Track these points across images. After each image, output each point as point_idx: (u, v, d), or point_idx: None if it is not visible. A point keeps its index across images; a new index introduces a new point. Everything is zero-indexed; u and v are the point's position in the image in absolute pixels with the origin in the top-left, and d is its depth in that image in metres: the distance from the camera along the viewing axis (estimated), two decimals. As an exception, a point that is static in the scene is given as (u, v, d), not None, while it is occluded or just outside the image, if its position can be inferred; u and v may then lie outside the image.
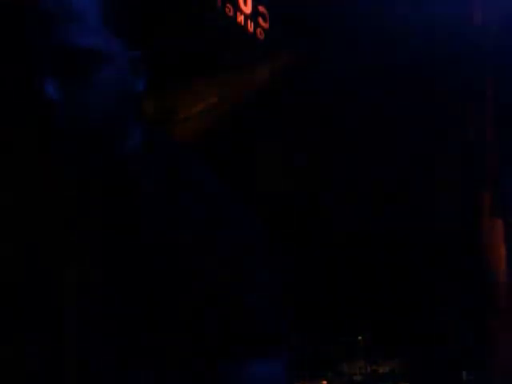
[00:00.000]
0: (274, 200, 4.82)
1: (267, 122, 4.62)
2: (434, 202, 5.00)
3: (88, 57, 0.96)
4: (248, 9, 4.09)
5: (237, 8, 3.99)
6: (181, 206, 1.05)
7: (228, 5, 3.92)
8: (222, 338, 1.01)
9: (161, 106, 3.63)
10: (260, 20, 4.20)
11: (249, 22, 4.10)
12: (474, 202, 4.40)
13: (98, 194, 1.07)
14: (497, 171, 4.34)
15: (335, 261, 5.75)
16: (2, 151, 1.10)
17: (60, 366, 1.02)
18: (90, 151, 1.00)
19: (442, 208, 4.93)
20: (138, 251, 1.03)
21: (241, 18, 4.03)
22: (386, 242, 5.50)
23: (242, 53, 4.11)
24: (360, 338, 5.98)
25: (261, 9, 4.21)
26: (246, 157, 4.53)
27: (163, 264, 1.02)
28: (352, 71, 4.44)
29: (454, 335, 5.12)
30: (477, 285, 4.38)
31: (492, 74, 4.34)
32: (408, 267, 5.44)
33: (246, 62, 4.17)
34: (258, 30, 4.18)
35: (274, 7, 4.25)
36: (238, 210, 1.08)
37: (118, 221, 1.05)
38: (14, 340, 1.04)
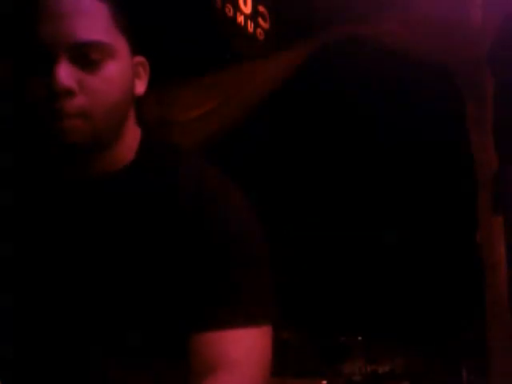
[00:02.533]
0: (274, 201, 4.82)
1: (268, 123, 4.62)
2: (433, 201, 5.00)
3: (96, 50, 1.05)
4: (248, 9, 4.09)
5: (237, 8, 3.99)
6: (180, 201, 1.11)
7: (228, 5, 3.92)
8: (206, 306, 1.07)
9: (160, 108, 3.63)
10: (260, 20, 4.20)
11: (249, 21, 4.10)
12: (474, 202, 4.40)
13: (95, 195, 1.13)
14: (497, 171, 4.34)
15: (336, 261, 5.75)
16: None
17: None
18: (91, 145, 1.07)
19: (441, 208, 4.93)
20: (136, 248, 1.10)
21: (241, 18, 4.03)
22: (386, 243, 5.50)
23: (243, 53, 4.11)
24: (360, 338, 5.99)
25: (261, 9, 4.21)
26: (244, 158, 4.53)
27: (159, 257, 1.09)
28: (354, 70, 4.44)
29: (454, 335, 5.13)
30: (476, 285, 4.39)
31: (492, 74, 4.34)
32: (408, 268, 5.44)
33: (247, 62, 4.16)
34: (258, 30, 4.18)
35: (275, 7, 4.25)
36: (236, 207, 1.14)
37: (116, 221, 1.12)
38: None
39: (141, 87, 1.15)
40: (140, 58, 1.15)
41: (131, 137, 1.15)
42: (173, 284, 1.08)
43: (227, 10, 3.90)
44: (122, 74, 1.08)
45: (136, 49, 1.13)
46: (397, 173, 5.14)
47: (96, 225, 1.11)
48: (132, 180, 1.13)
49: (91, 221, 1.11)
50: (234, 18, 3.95)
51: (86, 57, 1.04)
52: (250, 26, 4.10)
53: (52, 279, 1.10)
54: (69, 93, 1.03)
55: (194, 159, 1.18)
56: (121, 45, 1.08)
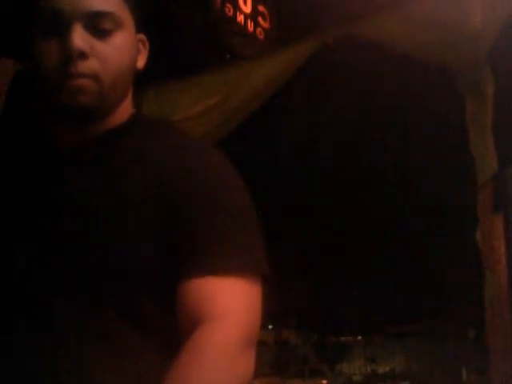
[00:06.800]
0: (273, 200, 4.82)
1: (267, 123, 4.62)
2: (433, 202, 5.00)
3: (108, 20, 1.16)
4: (248, 8, 4.09)
5: (237, 8, 4.00)
6: (163, 156, 1.19)
7: (228, 5, 3.92)
8: (191, 254, 1.10)
9: (159, 107, 3.63)
10: (260, 19, 4.20)
11: (249, 21, 4.10)
12: (474, 202, 4.40)
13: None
14: (497, 171, 4.33)
15: (336, 262, 5.76)
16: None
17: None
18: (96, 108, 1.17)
19: (442, 208, 4.93)
20: (125, 202, 1.16)
21: (241, 18, 4.03)
22: (387, 243, 5.51)
23: (243, 53, 4.11)
24: (360, 337, 6.00)
25: (261, 8, 4.21)
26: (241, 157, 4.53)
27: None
28: (354, 70, 4.44)
29: (454, 335, 5.14)
30: (476, 285, 4.39)
31: (492, 74, 4.34)
32: (408, 268, 5.46)
33: (247, 61, 4.16)
34: (258, 30, 4.18)
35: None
36: (217, 162, 1.23)
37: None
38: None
39: (141, 62, 1.27)
40: (141, 36, 1.27)
41: (125, 108, 1.24)
42: (160, 233, 1.11)
43: (227, 9, 3.90)
44: (129, 44, 1.20)
45: (139, 26, 1.26)
46: (396, 173, 5.14)
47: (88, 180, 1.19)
48: (117, 138, 1.21)
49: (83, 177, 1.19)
50: (234, 17, 3.95)
51: (99, 26, 1.15)
52: (250, 26, 4.10)
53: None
54: (82, 55, 1.13)
55: (180, 129, 1.26)
56: (128, 19, 1.21)
